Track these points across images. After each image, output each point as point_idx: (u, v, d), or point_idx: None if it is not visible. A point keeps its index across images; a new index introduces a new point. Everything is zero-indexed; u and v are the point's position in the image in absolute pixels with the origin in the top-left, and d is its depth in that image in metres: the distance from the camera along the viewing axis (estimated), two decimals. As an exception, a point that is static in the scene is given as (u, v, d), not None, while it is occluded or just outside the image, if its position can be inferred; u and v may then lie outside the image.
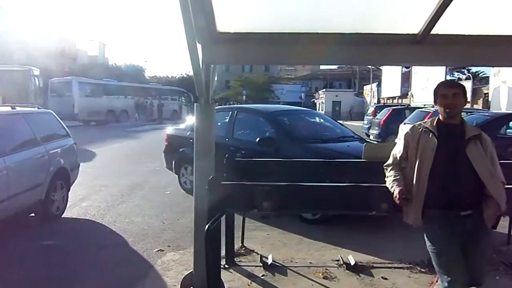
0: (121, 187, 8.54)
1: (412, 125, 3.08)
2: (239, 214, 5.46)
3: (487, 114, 10.78)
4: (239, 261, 4.82)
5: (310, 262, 4.78)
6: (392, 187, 2.92)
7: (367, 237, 5.55)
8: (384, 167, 3.13)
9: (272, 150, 6.47)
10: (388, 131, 16.05)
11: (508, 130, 11.02)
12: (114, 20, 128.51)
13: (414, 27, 3.49)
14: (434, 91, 3.02)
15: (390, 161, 3.09)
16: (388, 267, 4.61)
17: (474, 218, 2.79)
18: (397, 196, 2.83)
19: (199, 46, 3.37)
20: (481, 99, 23.80)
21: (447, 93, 2.91)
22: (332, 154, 5.98)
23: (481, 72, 37.59)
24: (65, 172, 6.51)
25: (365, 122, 22.75)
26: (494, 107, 21.30)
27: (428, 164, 2.83)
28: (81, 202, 7.33)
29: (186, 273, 4.07)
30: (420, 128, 2.98)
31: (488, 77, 24.07)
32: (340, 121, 8.68)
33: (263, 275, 4.42)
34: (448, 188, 2.79)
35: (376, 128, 18.13)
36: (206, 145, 3.69)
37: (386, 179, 3.05)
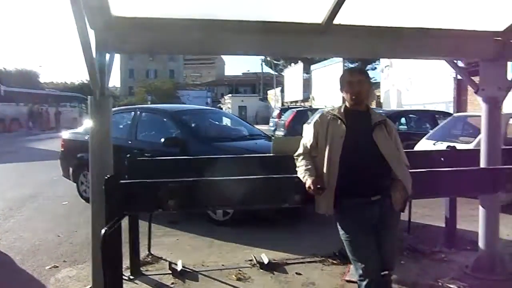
0: (9, 201, 7.61)
1: (320, 113, 3.00)
2: (144, 220, 5.09)
3: (381, 111, 11.42)
4: (146, 270, 4.44)
5: (222, 265, 4.55)
6: (304, 177, 2.81)
7: (279, 235, 5.47)
8: (295, 157, 3.02)
9: (178, 151, 6.17)
10: (293, 131, 16.44)
11: (400, 126, 11.86)
12: (3, 22, 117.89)
13: (318, 16, 3.44)
14: (340, 79, 2.98)
15: (300, 150, 2.99)
16: (301, 262, 4.54)
17: (384, 203, 2.77)
18: (311, 187, 2.73)
19: (92, 32, 3.00)
20: (374, 100, 25.59)
21: (353, 80, 2.89)
22: (240, 152, 5.81)
23: (372, 78, 40.51)
24: None
25: (271, 124, 23.26)
26: (385, 107, 23.14)
27: (338, 152, 2.76)
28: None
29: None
30: (328, 116, 2.91)
31: (379, 82, 26.38)
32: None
33: (172, 283, 4.10)
34: (357, 175, 2.74)
35: (282, 129, 18.58)
36: (103, 141, 3.29)
37: (297, 169, 2.94)
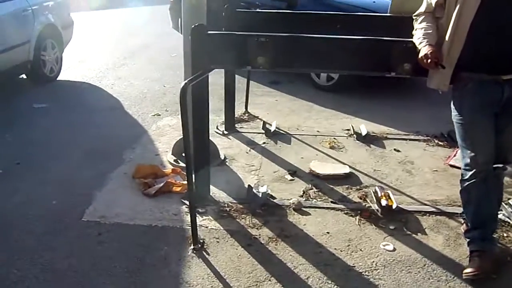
0: (124, 49, 7.98)
1: None
2: (243, 76, 4.98)
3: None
4: (241, 127, 4.45)
5: (318, 131, 4.38)
6: (420, 43, 2.29)
7: (383, 108, 5.05)
8: (414, 17, 2.47)
9: (286, 5, 5.70)
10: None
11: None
12: None
13: None
14: None
15: (422, 8, 2.42)
16: (403, 139, 4.19)
17: None
18: (428, 57, 2.22)
19: None
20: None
21: None
22: (354, 10, 5.18)
23: None
24: (55, 30, 5.91)
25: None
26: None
27: (470, 14, 2.16)
28: (79, 65, 6.86)
29: (179, 138, 3.74)
30: None
31: None
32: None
33: (264, 143, 4.06)
34: (489, 46, 2.16)
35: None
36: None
37: (414, 32, 2.42)
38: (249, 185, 3.11)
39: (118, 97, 5.37)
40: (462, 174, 2.39)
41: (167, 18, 7.56)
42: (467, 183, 2.34)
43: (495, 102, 2.24)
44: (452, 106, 2.38)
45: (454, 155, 3.76)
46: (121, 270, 2.32)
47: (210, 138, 4.03)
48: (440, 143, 4.07)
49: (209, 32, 2.61)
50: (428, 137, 4.19)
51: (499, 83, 2.20)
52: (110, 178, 3.33)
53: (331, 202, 3.03)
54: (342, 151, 3.92)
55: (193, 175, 2.72)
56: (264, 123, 4.43)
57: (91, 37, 8.91)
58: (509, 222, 2.82)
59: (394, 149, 3.95)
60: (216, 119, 4.58)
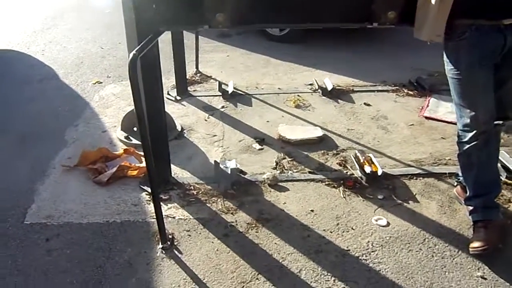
0: (51, 9, 7.07)
1: None
2: (191, 32, 4.48)
3: None
4: (194, 90, 4.01)
5: (279, 88, 4.03)
6: None
7: (345, 57, 4.74)
8: None
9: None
10: None
11: None
12: None
13: None
14: None
15: None
16: (371, 91, 3.93)
17: None
18: None
19: None
20: None
21: None
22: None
23: None
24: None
25: None
26: None
27: None
28: (1, 29, 5.98)
29: (129, 110, 3.28)
30: None
31: None
32: None
33: (222, 107, 3.67)
34: None
35: None
36: None
37: None
38: (215, 161, 2.75)
39: (51, 65, 4.69)
40: (459, 136, 2.14)
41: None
42: (467, 146, 2.09)
43: (496, 52, 1.96)
44: (446, 59, 2.08)
45: (427, 106, 3.55)
46: (79, 286, 1.94)
47: (163, 106, 3.63)
48: (410, 92, 3.84)
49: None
50: (397, 87, 3.96)
51: (500, 30, 1.91)
52: (52, 166, 2.85)
53: (309, 172, 2.74)
54: (309, 109, 3.60)
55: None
56: (220, 83, 4.01)
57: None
58: (501, 179, 2.64)
59: (364, 103, 3.68)
60: (165, 83, 4.07)
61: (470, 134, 2.05)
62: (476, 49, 1.95)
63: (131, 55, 1.83)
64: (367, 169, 2.61)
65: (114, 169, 2.67)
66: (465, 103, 2.04)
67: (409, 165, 2.80)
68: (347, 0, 2.19)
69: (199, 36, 4.42)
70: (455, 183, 2.49)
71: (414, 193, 2.51)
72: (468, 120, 2.04)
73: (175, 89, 3.90)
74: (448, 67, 2.06)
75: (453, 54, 2.04)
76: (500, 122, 2.11)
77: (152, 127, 2.45)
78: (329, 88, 3.85)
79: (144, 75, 2.34)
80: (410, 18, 2.04)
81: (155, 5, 2.12)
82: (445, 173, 2.64)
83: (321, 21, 2.31)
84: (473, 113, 2.01)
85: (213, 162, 2.77)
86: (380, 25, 2.17)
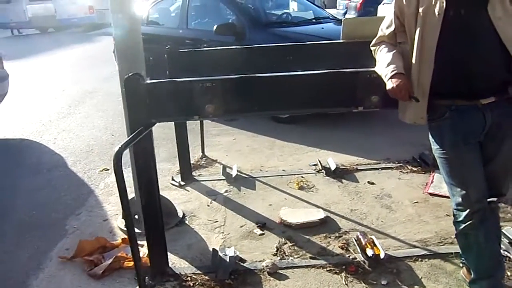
0: (68, 98, 7.44)
1: None
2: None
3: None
4: (199, 174, 4.04)
5: (283, 170, 4.02)
6: (386, 74, 1.99)
7: (348, 135, 4.79)
8: (371, 48, 2.20)
9: (233, 40, 5.42)
10: (366, 14, 14.75)
11: None
12: None
13: None
14: None
15: (377, 38, 2.15)
16: (375, 169, 3.90)
17: (499, 108, 1.92)
18: (401, 88, 1.92)
19: None
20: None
21: None
22: (304, 38, 4.94)
23: None
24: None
25: (340, 7, 21.17)
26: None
27: (434, 35, 1.88)
28: (18, 119, 6.27)
29: (131, 197, 3.28)
30: None
31: None
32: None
33: (226, 191, 3.65)
34: (462, 68, 1.88)
35: (353, 12, 16.83)
36: (130, 34, 2.70)
37: (377, 62, 2.13)
38: (213, 249, 2.68)
39: (61, 153, 4.84)
40: (454, 215, 2.08)
41: (112, 60, 7.15)
42: (463, 225, 2.03)
43: (478, 130, 1.95)
44: (431, 139, 2.08)
45: (432, 182, 3.49)
46: None
47: (166, 192, 3.64)
48: (414, 168, 3.80)
49: (146, 82, 2.23)
50: (400, 163, 3.93)
51: (479, 109, 1.91)
52: (49, 258, 2.82)
53: (310, 258, 2.64)
54: (312, 191, 3.57)
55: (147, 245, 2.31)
56: (224, 167, 4.04)
57: (31, 88, 8.32)
58: (509, 257, 2.52)
59: (368, 182, 3.64)
60: (171, 168, 4.17)
61: (464, 213, 1.99)
62: (458, 128, 1.95)
63: (116, 148, 1.87)
64: (369, 252, 2.51)
65: (110, 260, 2.62)
66: (455, 182, 2.00)
67: (414, 246, 2.69)
68: (334, 86, 2.24)
69: (206, 121, 4.54)
70: (461, 264, 2.36)
71: (420, 277, 2.38)
72: (460, 199, 1.98)
73: (180, 175, 3.94)
74: (434, 146, 2.05)
75: (437, 134, 2.04)
76: (494, 199, 2.05)
77: (147, 216, 2.45)
78: (333, 168, 3.83)
79: (138, 164, 2.38)
80: (394, 101, 2.07)
81: (148, 99, 2.21)
82: (452, 253, 2.52)
83: (310, 107, 2.36)
84: (464, 192, 1.96)
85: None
86: (365, 108, 2.21)
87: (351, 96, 2.21)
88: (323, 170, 3.86)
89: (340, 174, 3.80)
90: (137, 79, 2.17)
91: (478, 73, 1.88)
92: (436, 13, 1.89)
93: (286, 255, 2.69)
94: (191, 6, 6.44)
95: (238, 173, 3.93)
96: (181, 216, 3.26)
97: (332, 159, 3.99)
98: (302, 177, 3.80)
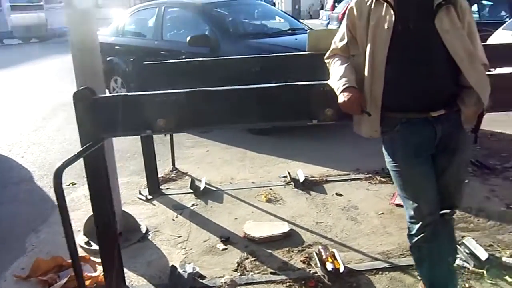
0: (42, 109, 7.33)
1: None
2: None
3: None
4: (167, 188, 3.98)
5: (253, 182, 3.98)
6: (338, 88, 1.97)
7: (321, 147, 4.78)
8: (326, 61, 2.18)
9: (207, 51, 5.40)
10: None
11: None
12: None
13: None
14: None
15: (331, 50, 2.14)
16: (344, 180, 3.88)
17: (449, 120, 1.91)
18: (352, 102, 1.91)
19: None
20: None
21: None
22: (277, 49, 4.94)
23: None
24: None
25: (323, 18, 21.36)
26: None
27: (384, 49, 1.87)
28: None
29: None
30: None
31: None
32: (301, 21, 7.53)
33: (193, 205, 3.60)
34: (412, 81, 1.87)
35: (335, 23, 16.95)
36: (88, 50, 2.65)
37: (330, 75, 2.11)
38: (172, 266, 2.62)
39: (29, 167, 4.74)
40: (408, 228, 2.06)
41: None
42: (416, 238, 2.01)
43: (429, 143, 1.94)
44: (384, 152, 2.06)
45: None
46: None
47: (131, 206, 3.58)
48: (382, 179, 3.79)
49: (97, 96, 2.18)
50: (370, 174, 3.92)
51: (429, 121, 1.90)
52: (3, 278, 2.73)
53: (271, 273, 2.60)
54: (280, 203, 3.53)
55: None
56: (193, 180, 3.98)
57: (4, 100, 8.19)
58: (468, 268, 2.51)
59: (336, 194, 3.62)
60: (140, 182, 4.10)
61: (417, 226, 1.97)
62: (409, 141, 1.93)
63: (58, 164, 1.81)
64: (329, 266, 2.48)
65: (64, 280, 2.55)
66: (407, 195, 1.98)
67: (376, 259, 2.67)
68: (288, 100, 2.21)
69: (182, 133, 4.49)
70: (419, 277, 2.33)
71: (379, 292, 2.35)
72: (412, 212, 1.97)
73: (147, 189, 3.87)
74: (387, 159, 2.04)
75: (389, 147, 2.02)
76: (448, 211, 2.03)
77: (100, 234, 2.39)
78: (302, 179, 3.81)
79: (90, 181, 2.32)
80: (349, 114, 2.04)
81: (97, 114, 2.16)
82: (412, 265, 2.48)
83: (264, 120, 2.33)
84: (416, 204, 1.95)
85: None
86: (319, 122, 2.19)
87: (305, 109, 2.19)
88: (292, 182, 3.83)
89: (309, 186, 3.77)
90: (87, 93, 2.12)
91: (426, 86, 1.87)
92: (386, 27, 1.89)
93: (247, 271, 2.64)
94: (166, 17, 6.42)
95: (207, 186, 3.88)
96: (144, 231, 3.20)
97: (302, 171, 3.96)
98: (271, 189, 3.76)
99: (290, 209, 3.40)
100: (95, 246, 2.99)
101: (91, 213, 3.47)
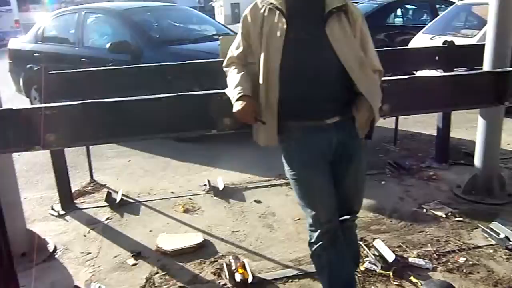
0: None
1: (253, 3, 2.04)
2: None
3: (375, 2, 10.10)
4: (82, 202, 3.80)
5: (172, 192, 3.89)
6: (233, 97, 1.95)
7: (243, 153, 4.71)
8: (224, 69, 2.15)
9: (129, 57, 5.24)
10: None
11: (396, 19, 10.61)
12: None
13: None
14: None
15: (228, 59, 2.11)
16: (264, 186, 3.89)
17: (344, 128, 1.94)
18: (246, 111, 1.89)
19: None
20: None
21: None
22: (199, 55, 4.88)
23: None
24: None
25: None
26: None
27: (276, 57, 1.87)
28: None
29: None
30: (263, 6, 1.97)
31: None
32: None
33: (107, 219, 3.45)
34: (305, 88, 1.89)
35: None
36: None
37: (227, 84, 2.09)
38: (74, 286, 2.49)
39: None
40: (309, 236, 2.07)
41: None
42: (315, 246, 2.02)
43: (325, 151, 1.95)
44: (283, 160, 2.06)
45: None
46: None
47: (41, 223, 3.38)
48: (302, 185, 3.83)
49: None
50: (290, 180, 3.94)
51: (324, 129, 1.92)
52: None
53: (179, 287, 2.53)
54: (197, 213, 3.47)
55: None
56: (109, 193, 3.82)
57: None
58: (375, 271, 2.57)
59: (255, 201, 3.61)
60: (53, 196, 3.88)
61: (316, 234, 1.98)
62: (305, 148, 1.94)
63: None
64: (238, 277, 2.45)
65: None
66: (305, 203, 1.99)
67: (287, 266, 2.67)
68: (186, 109, 2.17)
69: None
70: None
71: (286, 300, 2.35)
72: (311, 220, 1.98)
73: (60, 204, 3.67)
74: (285, 167, 2.04)
75: (286, 155, 2.03)
76: (348, 217, 2.07)
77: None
78: (221, 187, 3.77)
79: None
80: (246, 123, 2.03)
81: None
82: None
83: (163, 132, 2.27)
84: (314, 212, 1.96)
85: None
86: (219, 131, 2.16)
87: (204, 118, 2.15)
88: (211, 191, 3.79)
89: (228, 193, 3.74)
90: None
91: (319, 94, 1.89)
92: (278, 35, 1.88)
93: (156, 286, 2.55)
94: (86, 23, 6.18)
95: (124, 198, 3.75)
96: (51, 250, 3.02)
97: (224, 178, 3.93)
98: (190, 199, 3.69)
99: (207, 219, 3.35)
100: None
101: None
